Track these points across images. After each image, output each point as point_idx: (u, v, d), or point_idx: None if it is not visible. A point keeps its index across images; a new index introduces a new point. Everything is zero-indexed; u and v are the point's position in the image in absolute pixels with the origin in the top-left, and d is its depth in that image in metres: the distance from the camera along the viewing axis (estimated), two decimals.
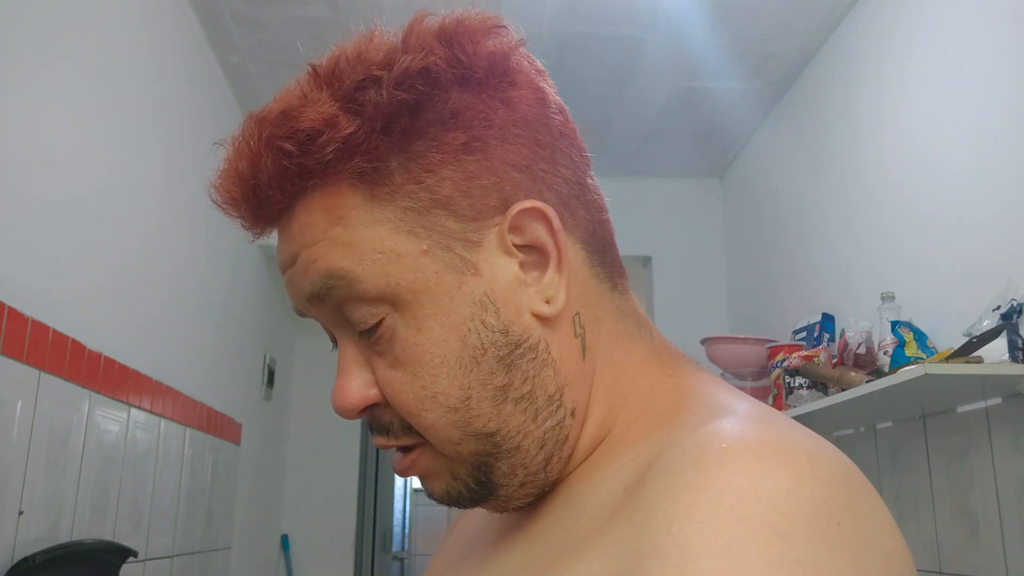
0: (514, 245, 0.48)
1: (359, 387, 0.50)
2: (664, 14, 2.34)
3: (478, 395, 0.47)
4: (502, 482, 0.49)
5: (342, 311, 0.49)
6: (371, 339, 0.48)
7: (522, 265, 0.49)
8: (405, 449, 0.51)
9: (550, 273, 0.49)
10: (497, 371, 0.47)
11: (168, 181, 2.13)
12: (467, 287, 0.47)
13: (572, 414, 0.50)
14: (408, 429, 0.50)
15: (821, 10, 2.30)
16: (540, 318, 0.49)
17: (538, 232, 0.48)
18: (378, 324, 0.48)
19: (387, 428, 0.51)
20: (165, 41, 2.15)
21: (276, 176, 0.48)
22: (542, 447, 0.49)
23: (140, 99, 1.97)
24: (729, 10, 2.31)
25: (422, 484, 0.53)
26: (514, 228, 0.48)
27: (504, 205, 0.48)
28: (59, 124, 1.57)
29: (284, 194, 0.48)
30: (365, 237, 0.47)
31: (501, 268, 0.48)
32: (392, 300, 0.47)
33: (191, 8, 2.29)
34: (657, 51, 2.53)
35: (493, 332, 0.47)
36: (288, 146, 0.47)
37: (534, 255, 0.49)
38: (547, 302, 0.49)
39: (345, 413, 0.50)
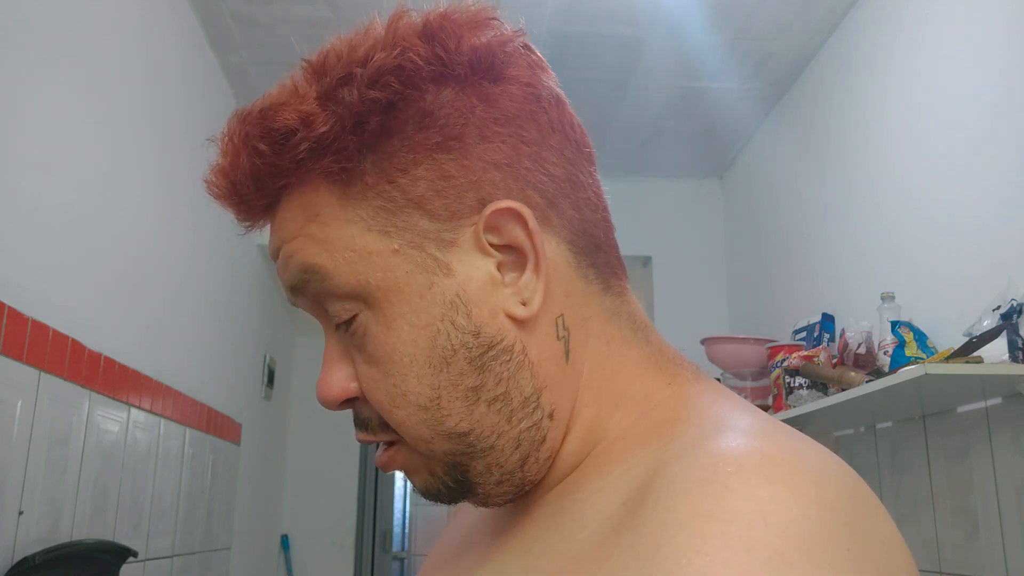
0: (492, 245, 0.48)
1: (340, 380, 0.50)
2: (664, 14, 2.34)
3: (448, 395, 0.47)
4: (479, 480, 0.49)
5: (321, 304, 0.50)
6: (347, 333, 0.49)
7: (500, 265, 0.48)
8: (388, 444, 0.52)
9: (527, 274, 0.48)
10: (468, 372, 0.47)
11: (168, 181, 2.13)
12: (438, 287, 0.47)
13: (551, 416, 0.49)
14: (386, 425, 0.50)
15: (821, 10, 2.30)
16: (515, 320, 0.48)
17: (515, 232, 0.48)
18: (352, 319, 0.48)
19: (367, 424, 0.51)
20: (165, 41, 2.15)
21: (251, 175, 0.49)
22: (517, 447, 0.48)
23: (140, 99, 1.97)
24: (729, 10, 2.31)
25: (406, 477, 0.53)
26: (490, 228, 0.48)
27: (481, 204, 0.47)
28: (59, 124, 1.57)
29: (261, 191, 0.49)
30: (338, 235, 0.47)
31: (476, 268, 0.47)
32: (364, 298, 0.47)
33: (191, 8, 2.29)
34: (657, 51, 2.53)
35: (463, 333, 0.47)
36: (262, 146, 0.47)
37: (513, 255, 0.48)
38: (523, 304, 0.48)
39: (327, 405, 0.51)
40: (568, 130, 0.52)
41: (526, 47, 0.52)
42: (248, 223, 0.52)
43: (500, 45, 0.49)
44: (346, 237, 0.47)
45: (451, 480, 0.50)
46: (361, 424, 0.51)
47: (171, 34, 2.19)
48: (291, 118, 0.46)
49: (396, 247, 0.47)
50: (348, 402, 0.51)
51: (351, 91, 0.46)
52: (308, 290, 0.49)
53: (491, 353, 0.47)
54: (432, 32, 0.48)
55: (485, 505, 0.52)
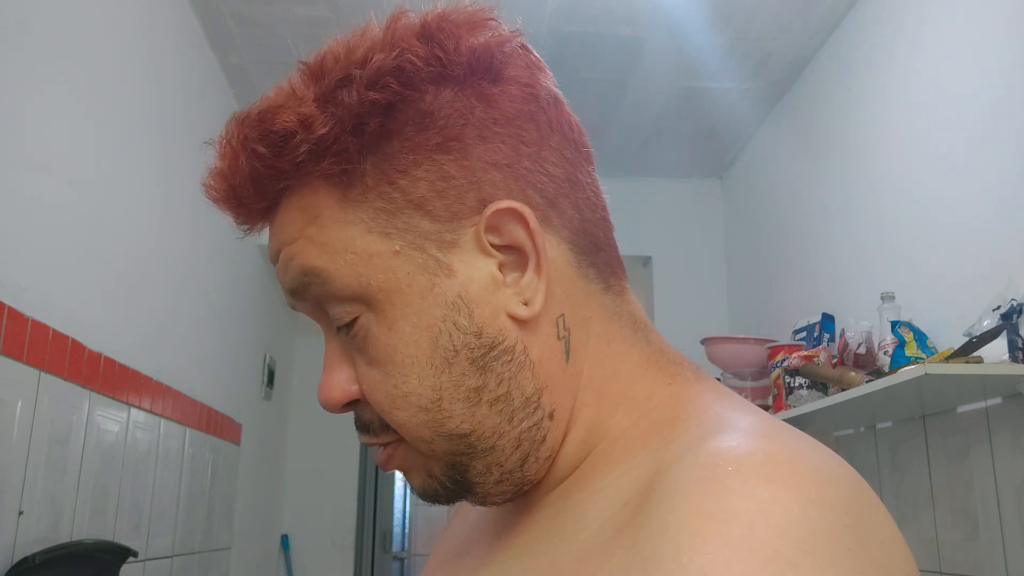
0: (493, 245, 0.48)
1: (341, 382, 0.50)
2: (664, 14, 2.34)
3: (450, 396, 0.47)
4: (478, 480, 0.49)
5: (321, 307, 0.49)
6: (348, 336, 0.49)
7: (501, 266, 0.48)
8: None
9: (529, 274, 0.48)
10: (470, 373, 0.47)
11: (168, 182, 2.13)
12: (439, 288, 0.47)
13: (551, 416, 0.49)
14: (387, 427, 0.50)
15: (821, 10, 2.30)
16: (517, 320, 0.48)
17: (516, 233, 0.47)
18: (354, 322, 0.48)
19: (368, 426, 0.51)
20: (165, 41, 2.15)
21: (251, 178, 0.48)
22: (517, 447, 0.48)
23: (140, 100, 1.97)
24: (729, 10, 2.31)
25: (404, 478, 0.53)
26: (491, 228, 0.47)
27: (482, 205, 0.47)
28: (59, 125, 1.57)
29: (260, 194, 0.49)
30: (338, 237, 0.47)
31: (478, 269, 0.47)
32: (365, 300, 0.47)
33: (191, 8, 2.29)
34: (657, 51, 2.53)
35: (465, 334, 0.47)
36: (261, 149, 0.47)
37: (514, 255, 0.48)
38: (525, 304, 0.48)
39: (328, 407, 0.50)
40: (567, 130, 0.52)
41: (524, 47, 0.51)
42: (247, 226, 0.52)
43: (498, 45, 0.49)
44: (347, 239, 0.47)
45: (449, 480, 0.50)
46: (363, 427, 0.51)
47: (171, 34, 2.19)
48: (290, 120, 0.46)
49: (397, 248, 0.47)
50: (349, 405, 0.51)
51: (350, 93, 0.46)
52: (309, 293, 0.49)
53: (493, 353, 0.47)
54: (430, 33, 0.48)
55: (483, 504, 0.52)
